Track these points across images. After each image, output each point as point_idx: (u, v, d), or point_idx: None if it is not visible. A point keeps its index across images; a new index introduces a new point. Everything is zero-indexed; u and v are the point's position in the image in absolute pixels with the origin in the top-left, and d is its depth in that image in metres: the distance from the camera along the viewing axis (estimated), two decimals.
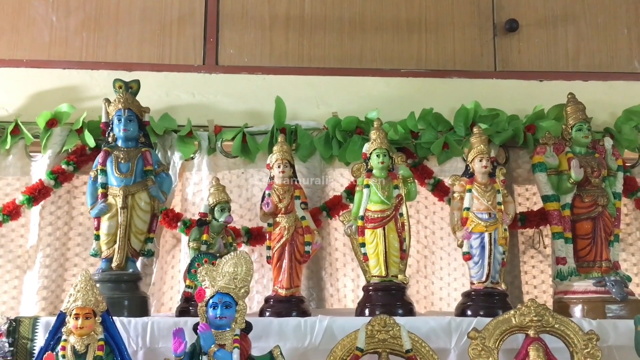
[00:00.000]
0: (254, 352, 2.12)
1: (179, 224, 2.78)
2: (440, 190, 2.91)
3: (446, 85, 3.15)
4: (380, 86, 3.13)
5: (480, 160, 2.60)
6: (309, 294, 2.90)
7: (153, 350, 2.25)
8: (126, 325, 2.25)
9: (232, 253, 2.14)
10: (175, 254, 2.92)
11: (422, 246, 3.00)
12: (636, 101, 3.08)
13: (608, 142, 2.81)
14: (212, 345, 1.99)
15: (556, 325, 2.13)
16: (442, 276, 2.96)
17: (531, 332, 2.11)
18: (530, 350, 2.07)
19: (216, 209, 2.59)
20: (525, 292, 3.00)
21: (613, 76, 3.21)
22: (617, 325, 2.33)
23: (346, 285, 2.94)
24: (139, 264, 2.77)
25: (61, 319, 2.05)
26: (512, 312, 2.15)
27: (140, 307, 2.48)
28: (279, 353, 2.06)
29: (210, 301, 2.05)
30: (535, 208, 2.97)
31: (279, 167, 2.61)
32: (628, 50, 3.25)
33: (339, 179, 3.00)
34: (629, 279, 2.67)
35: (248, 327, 2.10)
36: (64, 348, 2.01)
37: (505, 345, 2.17)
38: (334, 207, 2.87)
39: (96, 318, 2.04)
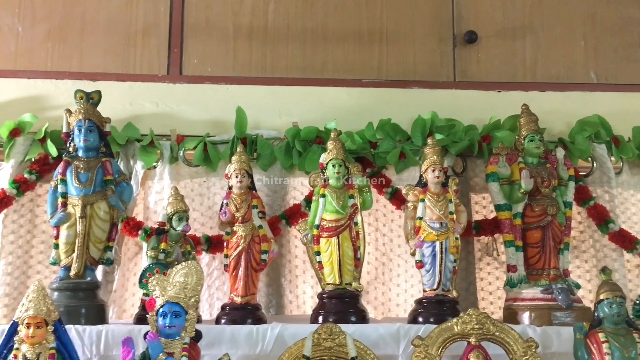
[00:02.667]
0: None
1: (139, 232, 2.83)
2: (398, 199, 2.97)
3: (406, 95, 3.21)
4: (342, 96, 3.18)
5: (433, 171, 2.67)
6: (269, 301, 2.96)
7: (107, 358, 2.30)
8: (81, 334, 2.30)
9: (183, 263, 2.20)
10: (137, 262, 2.96)
11: (380, 253, 3.06)
12: (592, 112, 3.16)
13: (560, 153, 2.88)
14: (160, 354, 2.04)
15: (497, 333, 2.20)
16: (399, 283, 3.02)
17: (472, 340, 2.18)
18: (470, 358, 2.14)
19: (174, 218, 2.64)
20: (481, 299, 3.07)
21: (569, 87, 3.28)
22: (561, 333, 2.40)
23: (305, 292, 3.00)
24: (100, 272, 2.84)
25: (13, 328, 2.09)
26: (454, 320, 2.22)
27: (98, 315, 2.52)
28: None
29: (160, 310, 2.11)
30: (492, 216, 3.04)
31: (236, 177, 2.67)
32: (584, 62, 3.32)
33: (299, 187, 3.05)
34: (578, 287, 2.75)
35: (198, 336, 2.16)
36: (15, 357, 2.05)
37: (450, 352, 2.24)
38: (293, 215, 2.93)
39: (48, 327, 2.08)
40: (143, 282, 2.34)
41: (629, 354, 2.13)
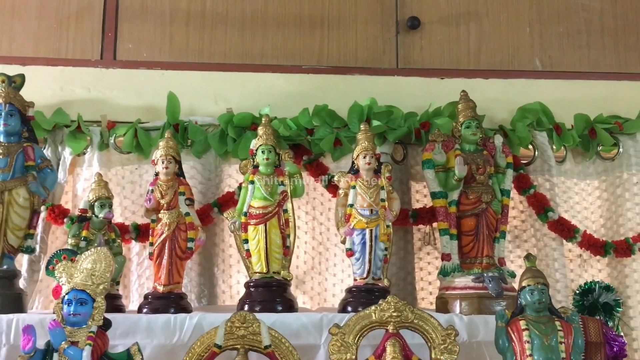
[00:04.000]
0: (120, 350, 2.12)
1: (65, 220, 2.75)
2: (334, 187, 2.89)
3: (347, 82, 3.15)
4: (281, 83, 3.12)
5: (364, 157, 2.61)
6: (201, 291, 2.89)
7: (17, 347, 2.20)
8: None
9: (91, 249, 2.13)
10: None
11: (317, 243, 3.00)
12: (535, 99, 3.10)
13: (498, 140, 2.83)
14: (63, 342, 1.97)
15: (415, 321, 2.14)
16: (335, 272, 2.96)
17: (390, 328, 2.12)
18: (387, 346, 2.08)
19: (96, 204, 2.57)
20: (420, 289, 3.02)
21: (514, 74, 3.23)
22: (488, 321, 2.34)
23: (239, 281, 2.93)
24: (26, 261, 2.77)
25: None
26: (372, 308, 2.16)
27: (14, 304, 2.43)
28: (136, 350, 2.05)
29: (65, 298, 2.04)
30: (431, 205, 2.99)
31: (162, 162, 2.59)
32: (529, 49, 3.27)
33: (235, 175, 2.98)
34: (513, 276, 2.69)
35: (106, 324, 2.08)
36: None
37: (368, 341, 2.18)
38: (225, 203, 2.86)
39: None
40: (49, 268, 2.26)
41: (549, 342, 2.08)
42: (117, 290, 2.63)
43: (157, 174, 2.62)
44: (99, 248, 2.14)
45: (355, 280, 2.59)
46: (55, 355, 1.97)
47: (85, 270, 2.07)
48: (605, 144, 3.08)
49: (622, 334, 2.67)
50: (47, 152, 2.84)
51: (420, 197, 3.09)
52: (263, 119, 2.67)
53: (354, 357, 2.09)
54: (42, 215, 2.76)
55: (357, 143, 2.65)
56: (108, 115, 2.95)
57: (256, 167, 2.61)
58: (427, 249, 3.05)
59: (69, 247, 2.52)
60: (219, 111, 3.01)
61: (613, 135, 3.08)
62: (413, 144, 3.05)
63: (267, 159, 2.59)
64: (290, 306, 2.52)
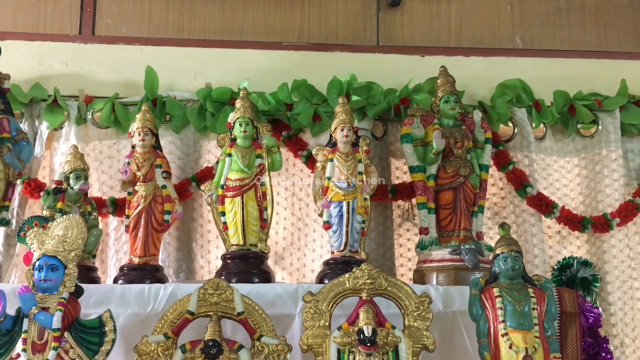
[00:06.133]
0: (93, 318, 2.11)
1: (41, 193, 2.73)
2: (314, 163, 2.89)
3: (328, 59, 3.15)
4: (261, 59, 3.11)
5: (342, 130, 2.60)
6: (179, 266, 2.88)
7: None
8: None
9: (64, 216, 2.12)
10: None
11: (296, 218, 2.99)
12: (515, 77, 3.10)
13: (477, 115, 2.83)
14: (33, 307, 1.96)
15: (389, 288, 2.13)
16: (314, 248, 2.96)
17: (364, 295, 2.12)
18: (360, 312, 2.07)
19: (71, 176, 2.55)
20: (399, 265, 3.02)
21: (494, 52, 3.24)
22: (463, 292, 2.34)
23: (217, 257, 2.89)
24: (2, 235, 2.75)
25: None
26: (346, 275, 2.15)
27: None
28: (108, 317, 2.04)
29: (36, 264, 2.03)
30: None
31: (139, 135, 2.58)
32: (510, 27, 3.28)
33: (213, 151, 2.97)
34: (490, 249, 2.68)
35: (78, 292, 2.07)
36: None
37: (345, 311, 2.17)
38: (204, 178, 2.84)
39: None
40: (21, 235, 2.24)
41: (521, 309, 2.08)
42: (93, 263, 2.61)
43: (133, 147, 2.61)
44: (70, 215, 2.14)
45: (332, 252, 2.59)
46: (26, 321, 1.96)
47: (57, 236, 2.06)
48: (584, 120, 3.09)
49: (599, 307, 2.68)
50: (24, 126, 2.82)
51: (400, 174, 3.09)
52: (241, 93, 2.66)
53: (327, 323, 2.09)
54: (19, 189, 2.74)
55: (335, 116, 2.64)
56: (86, 90, 2.94)
57: (234, 140, 2.60)
58: (407, 225, 3.05)
59: None
60: (198, 87, 3.00)
61: (592, 112, 3.09)
62: (393, 121, 3.05)
63: (245, 131, 2.58)
64: (266, 278, 2.52)
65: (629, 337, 2.93)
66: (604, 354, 2.34)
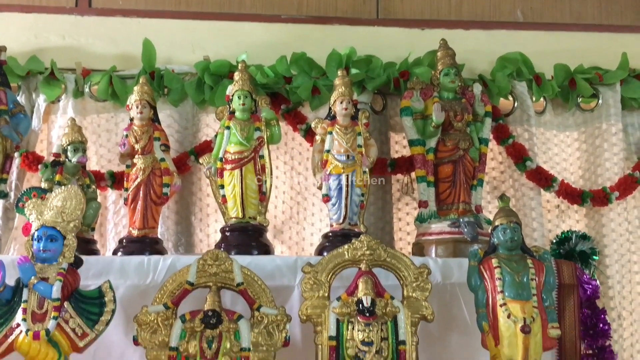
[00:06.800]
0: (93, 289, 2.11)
1: (39, 166, 2.71)
2: (312, 136, 2.87)
3: (327, 32, 3.12)
4: (259, 32, 3.08)
5: (341, 102, 2.58)
6: (178, 239, 2.88)
7: None
8: None
9: (62, 187, 2.11)
10: None
11: (295, 192, 2.99)
12: (516, 50, 3.08)
13: (477, 88, 2.81)
14: (32, 277, 1.96)
15: (388, 259, 2.14)
16: (313, 222, 2.95)
17: (363, 266, 2.12)
18: (359, 283, 2.08)
19: (69, 149, 2.54)
20: (398, 239, 3.02)
21: (494, 25, 3.21)
22: (462, 264, 2.34)
23: (217, 230, 2.90)
24: (1, 209, 2.75)
25: None
26: (346, 246, 2.16)
27: None
28: (108, 287, 2.04)
29: (35, 234, 2.03)
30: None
31: (137, 107, 2.56)
32: (511, 0, 3.25)
33: (212, 124, 2.95)
34: (489, 222, 2.68)
35: (77, 262, 2.07)
36: None
37: (344, 283, 2.17)
38: (202, 151, 2.83)
39: None
40: (19, 206, 2.24)
41: (520, 279, 2.09)
42: (92, 236, 2.61)
43: (131, 120, 2.59)
44: (69, 186, 2.13)
45: (331, 225, 2.59)
46: (25, 291, 1.96)
47: (55, 207, 2.06)
48: (584, 94, 3.07)
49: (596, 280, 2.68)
50: (21, 99, 2.80)
51: (400, 148, 3.08)
52: (239, 65, 2.64)
53: (326, 294, 2.10)
54: (16, 162, 2.73)
55: (334, 89, 2.63)
56: (83, 63, 2.91)
57: (232, 113, 2.58)
58: (406, 199, 3.05)
59: None
60: (196, 60, 2.97)
61: (593, 86, 3.07)
62: (392, 94, 3.03)
63: (243, 104, 2.56)
64: (266, 250, 2.52)
65: (627, 310, 2.95)
66: (601, 325, 2.36)
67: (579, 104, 3.12)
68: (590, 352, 2.39)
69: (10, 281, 1.99)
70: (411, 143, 2.74)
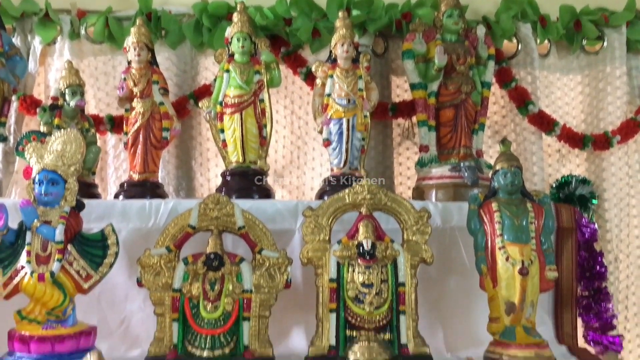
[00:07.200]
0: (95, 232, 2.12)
1: (37, 110, 2.69)
2: (313, 80, 2.83)
3: None
4: None
5: (342, 45, 2.53)
6: (179, 184, 2.89)
7: None
8: None
9: (62, 131, 2.10)
10: None
11: (295, 137, 2.98)
12: None
13: (480, 31, 2.76)
14: (35, 220, 1.97)
15: (388, 204, 2.15)
16: (314, 167, 2.96)
17: (363, 210, 2.13)
18: (360, 227, 2.09)
19: (67, 92, 2.51)
20: (399, 183, 3.03)
21: None
22: (462, 208, 2.35)
23: (217, 175, 2.91)
24: (0, 152, 2.74)
25: None
26: (346, 190, 2.16)
27: None
28: (110, 230, 2.05)
29: (36, 178, 2.02)
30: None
31: (134, 50, 2.52)
32: None
33: (211, 67, 2.91)
34: (490, 167, 2.69)
35: (79, 206, 2.08)
36: None
37: (345, 227, 2.18)
38: (202, 95, 2.81)
39: None
40: (19, 149, 2.23)
41: (519, 223, 2.10)
42: (93, 180, 2.61)
43: (129, 62, 2.55)
44: (68, 129, 2.10)
45: (332, 170, 2.59)
46: (29, 234, 1.97)
47: (55, 151, 2.05)
48: (589, 36, 3.02)
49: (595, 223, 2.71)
50: (16, 41, 2.75)
51: (401, 92, 3.05)
52: (238, 6, 2.57)
53: (327, 237, 2.11)
54: (14, 105, 2.71)
55: (335, 31, 2.57)
56: (78, 3, 2.84)
57: (231, 55, 2.54)
58: (407, 144, 3.04)
59: None
60: (193, 1, 2.90)
61: (598, 28, 3.02)
62: (394, 37, 2.98)
63: (243, 47, 2.52)
64: (266, 195, 2.53)
65: (624, 253, 2.99)
66: (598, 268, 2.39)
67: (584, 46, 3.07)
68: (586, 293, 2.44)
69: (13, 224, 2.00)
70: (413, 87, 2.71)
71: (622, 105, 2.99)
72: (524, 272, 2.02)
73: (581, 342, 2.42)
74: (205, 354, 1.96)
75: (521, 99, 2.91)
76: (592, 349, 2.39)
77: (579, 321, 2.44)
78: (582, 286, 2.42)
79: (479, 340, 2.15)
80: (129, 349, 2.19)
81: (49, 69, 2.82)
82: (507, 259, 2.05)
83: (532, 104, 2.90)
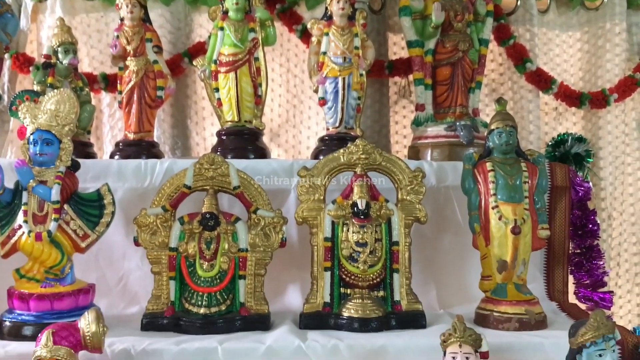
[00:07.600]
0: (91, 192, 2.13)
1: (31, 68, 2.66)
2: (309, 37, 2.80)
3: None
4: None
5: (338, 2, 2.49)
6: (174, 142, 2.89)
7: None
8: None
9: (55, 91, 2.08)
10: None
11: (291, 95, 2.96)
12: None
13: None
14: (31, 181, 1.97)
15: (383, 163, 2.15)
16: (309, 125, 2.95)
17: (358, 170, 2.13)
18: (354, 186, 2.10)
19: (60, 50, 2.49)
20: (395, 142, 3.03)
21: None
22: (457, 167, 2.36)
23: (213, 134, 2.91)
24: None
25: None
26: (341, 150, 2.16)
27: None
28: (106, 190, 2.06)
29: (31, 138, 2.02)
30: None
31: (127, 7, 2.48)
32: None
33: (205, 25, 2.87)
34: (486, 125, 2.67)
35: (75, 165, 2.08)
36: None
37: (341, 187, 2.19)
38: (196, 53, 2.78)
39: None
40: (13, 109, 2.22)
41: (513, 182, 2.11)
42: (88, 139, 2.61)
43: (122, 20, 2.52)
44: (62, 89, 2.09)
45: (327, 129, 2.58)
46: (25, 194, 1.98)
47: (49, 111, 2.03)
48: None
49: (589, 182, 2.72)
50: None
51: (398, 50, 3.02)
52: None
53: (322, 197, 2.12)
54: (7, 64, 2.68)
55: None
56: None
57: (226, 13, 2.50)
58: (403, 102, 3.03)
59: None
60: None
61: None
62: None
63: (237, 3, 2.47)
64: (262, 154, 2.53)
65: (617, 211, 3.01)
66: (590, 226, 2.42)
67: (584, 2, 3.03)
68: (579, 251, 2.47)
69: (10, 184, 2.01)
70: (409, 44, 2.68)
71: (620, 63, 2.97)
72: (516, 231, 2.04)
73: (572, 299, 2.46)
74: (202, 311, 1.99)
75: (519, 57, 2.89)
76: (582, 306, 2.43)
77: (571, 278, 2.47)
78: (575, 244, 2.45)
79: (471, 298, 2.19)
80: (127, 306, 2.23)
81: (41, 27, 2.79)
82: (500, 218, 2.06)
83: (530, 62, 2.88)
